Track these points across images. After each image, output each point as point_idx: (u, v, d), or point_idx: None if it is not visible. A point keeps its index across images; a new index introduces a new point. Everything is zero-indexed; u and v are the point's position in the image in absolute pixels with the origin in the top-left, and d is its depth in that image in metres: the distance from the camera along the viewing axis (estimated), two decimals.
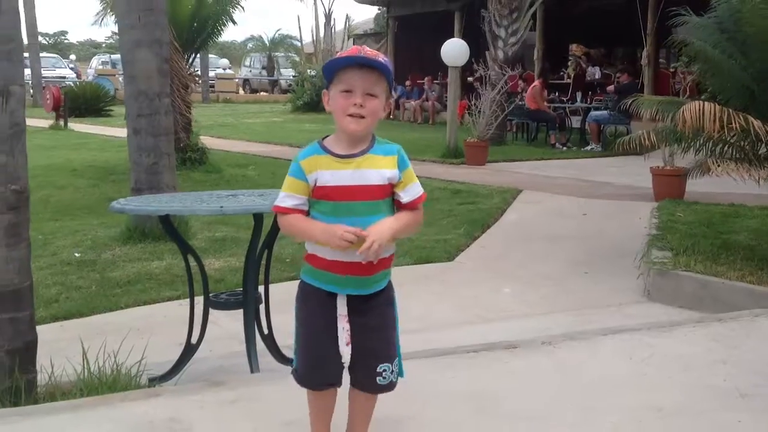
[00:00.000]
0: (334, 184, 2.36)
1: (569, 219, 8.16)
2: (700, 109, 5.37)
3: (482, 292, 5.73)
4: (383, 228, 2.34)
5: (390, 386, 2.52)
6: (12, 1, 3.31)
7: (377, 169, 2.38)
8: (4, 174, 3.26)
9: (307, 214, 2.43)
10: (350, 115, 2.35)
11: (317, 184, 2.37)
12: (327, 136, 2.46)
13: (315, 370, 2.48)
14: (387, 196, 2.41)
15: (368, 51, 2.40)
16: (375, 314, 2.47)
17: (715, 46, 5.97)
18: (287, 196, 2.41)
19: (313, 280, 2.47)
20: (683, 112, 5.42)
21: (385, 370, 2.47)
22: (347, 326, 2.43)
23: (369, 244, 2.29)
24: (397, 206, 2.44)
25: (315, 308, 2.46)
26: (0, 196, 3.25)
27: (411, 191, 2.42)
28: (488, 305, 5.44)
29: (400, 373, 2.54)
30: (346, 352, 2.43)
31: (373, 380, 2.48)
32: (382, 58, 2.39)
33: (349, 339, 2.44)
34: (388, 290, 2.52)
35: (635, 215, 7.97)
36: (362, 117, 2.36)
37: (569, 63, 21.88)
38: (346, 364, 2.46)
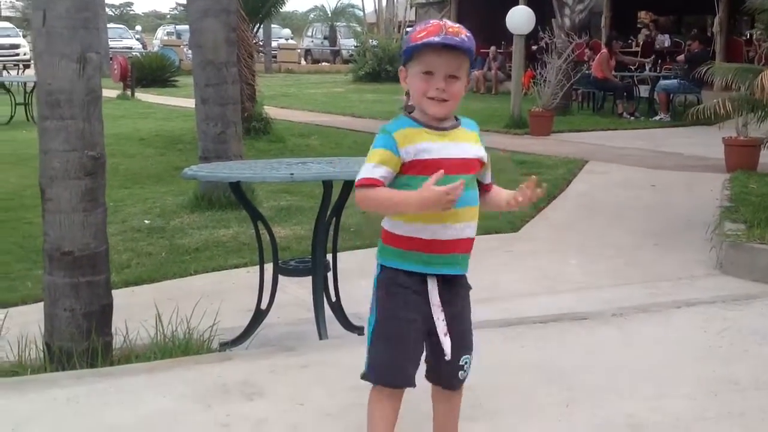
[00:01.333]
0: (438, 157, 2.14)
1: (637, 190, 8.01)
2: None
3: (549, 263, 5.67)
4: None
5: (464, 381, 2.33)
6: None
7: (471, 142, 2.24)
8: (81, 140, 3.32)
9: None
10: (431, 98, 2.18)
11: (416, 158, 2.15)
12: (409, 111, 2.25)
13: (403, 366, 2.22)
14: (477, 171, 2.26)
15: (451, 28, 2.19)
16: (458, 300, 2.27)
17: None
18: (376, 167, 2.14)
19: (401, 264, 2.21)
20: (761, 79, 5.26)
21: (466, 362, 2.29)
22: (442, 315, 2.21)
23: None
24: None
25: (405, 296, 2.20)
26: (77, 161, 3.32)
27: (489, 174, 2.34)
28: (555, 276, 5.38)
29: None
30: (446, 343, 2.20)
31: (456, 374, 2.29)
32: (465, 34, 2.21)
33: (446, 329, 2.20)
34: (465, 277, 2.32)
35: (706, 186, 7.77)
36: (445, 100, 2.19)
37: (640, 33, 21.35)
38: (448, 357, 2.21)
